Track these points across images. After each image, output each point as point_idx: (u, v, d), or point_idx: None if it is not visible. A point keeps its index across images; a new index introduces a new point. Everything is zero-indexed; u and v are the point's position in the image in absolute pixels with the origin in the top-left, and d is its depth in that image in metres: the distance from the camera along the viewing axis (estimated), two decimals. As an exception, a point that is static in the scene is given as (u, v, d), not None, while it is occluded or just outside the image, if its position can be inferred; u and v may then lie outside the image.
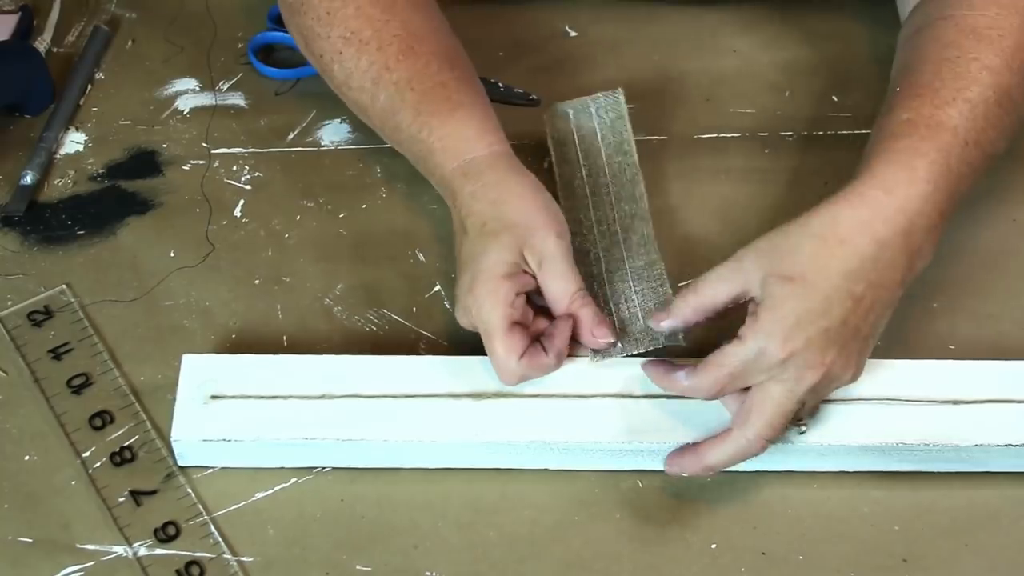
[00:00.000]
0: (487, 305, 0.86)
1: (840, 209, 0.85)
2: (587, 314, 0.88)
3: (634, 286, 0.93)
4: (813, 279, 0.83)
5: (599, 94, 1.02)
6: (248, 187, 1.03)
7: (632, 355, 0.89)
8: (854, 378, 0.86)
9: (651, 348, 0.89)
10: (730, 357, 0.83)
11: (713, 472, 0.85)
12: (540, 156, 1.02)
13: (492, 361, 0.86)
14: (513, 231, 0.87)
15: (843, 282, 0.83)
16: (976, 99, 0.90)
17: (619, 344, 0.90)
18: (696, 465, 0.85)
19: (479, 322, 0.86)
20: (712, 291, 0.85)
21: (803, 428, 0.87)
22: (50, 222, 1.00)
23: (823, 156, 1.05)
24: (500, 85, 1.08)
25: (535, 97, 1.08)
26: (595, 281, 0.94)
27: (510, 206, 0.89)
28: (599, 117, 1.02)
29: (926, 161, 0.87)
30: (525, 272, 0.88)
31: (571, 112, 1.02)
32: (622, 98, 1.02)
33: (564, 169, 1.00)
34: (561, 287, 0.88)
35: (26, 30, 1.12)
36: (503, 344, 0.85)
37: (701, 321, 0.87)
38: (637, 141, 1.01)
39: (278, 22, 1.09)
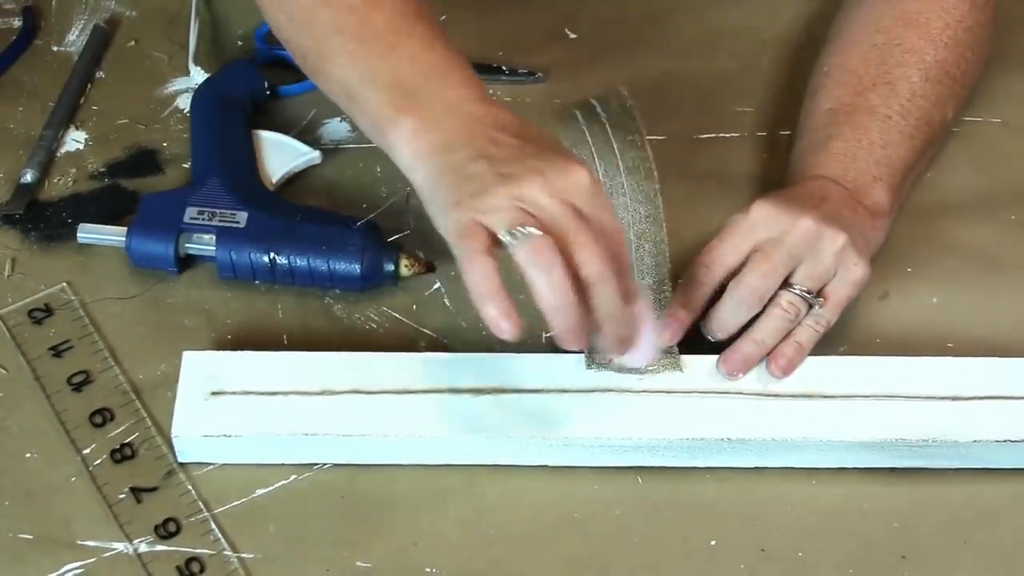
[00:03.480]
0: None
1: (784, 188, 0.96)
2: None
3: None
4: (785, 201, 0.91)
5: (601, 92, 1.03)
6: (248, 186, 1.03)
7: (622, 373, 0.89)
8: (849, 247, 0.89)
9: (647, 371, 0.89)
10: (732, 221, 0.90)
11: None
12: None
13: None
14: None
15: (810, 199, 0.92)
16: (897, 80, 0.99)
17: (614, 360, 0.89)
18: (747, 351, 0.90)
19: (572, 183, 0.81)
20: (696, 295, 0.91)
21: (820, 302, 0.90)
22: (50, 220, 1.01)
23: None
24: (504, 68, 1.09)
25: (540, 74, 1.09)
26: None
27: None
28: (605, 114, 1.02)
29: (841, 142, 0.97)
30: None
31: (578, 113, 1.03)
32: (625, 93, 1.02)
33: None
34: None
35: (29, 31, 1.13)
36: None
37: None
38: (638, 141, 1.02)
39: (267, 40, 1.10)
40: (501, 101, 1.07)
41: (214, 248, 0.94)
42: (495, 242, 0.80)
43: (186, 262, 0.97)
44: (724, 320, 0.90)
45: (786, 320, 0.89)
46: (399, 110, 0.85)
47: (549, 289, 0.79)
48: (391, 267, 0.95)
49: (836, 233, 0.89)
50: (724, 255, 0.90)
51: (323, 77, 0.91)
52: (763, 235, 0.89)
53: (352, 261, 0.94)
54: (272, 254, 0.94)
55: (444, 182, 0.83)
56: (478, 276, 0.79)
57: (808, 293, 0.89)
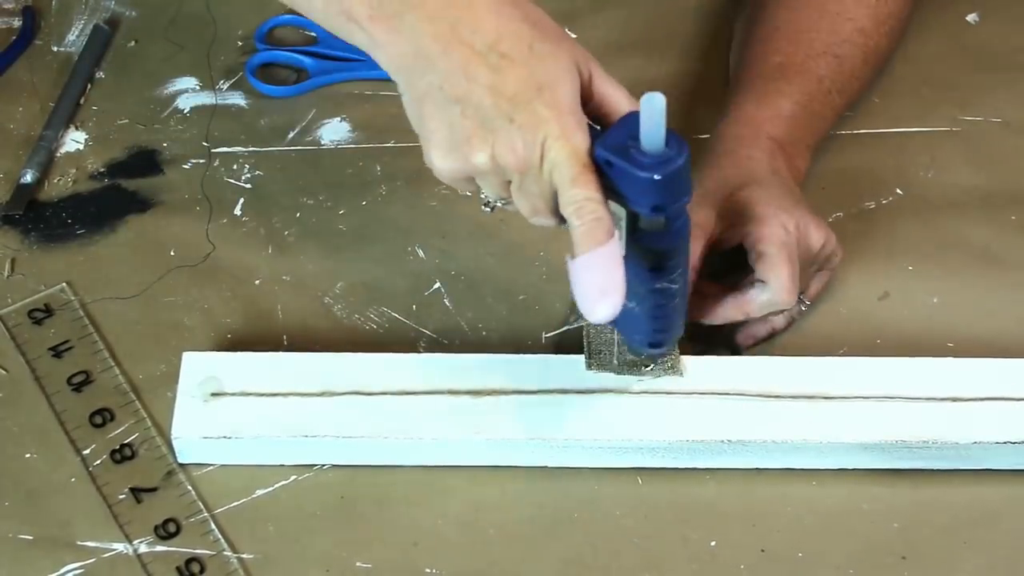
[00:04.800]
0: (575, 141, 0.75)
1: (729, 144, 0.95)
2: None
3: None
4: (754, 180, 0.92)
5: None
6: (248, 186, 1.03)
7: (623, 375, 0.89)
8: (838, 242, 0.92)
9: (648, 376, 0.89)
10: (777, 247, 0.88)
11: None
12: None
13: (581, 208, 0.75)
14: (563, 46, 0.77)
15: (772, 176, 0.92)
16: (845, 56, 1.00)
17: (615, 362, 0.89)
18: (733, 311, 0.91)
19: (558, 164, 0.75)
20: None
21: (807, 302, 0.94)
22: (50, 220, 1.00)
23: (822, 156, 1.05)
24: None
25: None
26: None
27: (541, 18, 0.78)
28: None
29: (790, 102, 0.97)
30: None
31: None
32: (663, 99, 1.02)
33: None
34: (621, 91, 0.80)
35: (29, 31, 1.12)
36: (596, 180, 0.76)
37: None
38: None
39: (268, 41, 1.09)
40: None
41: None
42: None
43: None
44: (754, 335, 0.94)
45: (783, 325, 0.94)
46: (368, 6, 0.77)
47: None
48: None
49: (833, 238, 0.92)
50: (797, 282, 0.90)
51: None
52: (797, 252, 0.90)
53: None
54: None
55: (424, 112, 0.77)
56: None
57: (800, 294, 0.92)
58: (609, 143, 0.75)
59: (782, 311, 0.92)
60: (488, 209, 0.83)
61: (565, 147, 0.75)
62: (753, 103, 0.98)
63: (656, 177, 0.74)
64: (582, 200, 0.75)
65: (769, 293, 0.89)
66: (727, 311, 0.91)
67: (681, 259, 0.81)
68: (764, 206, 0.90)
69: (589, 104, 0.78)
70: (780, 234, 0.89)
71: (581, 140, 0.75)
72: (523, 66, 0.75)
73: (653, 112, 0.73)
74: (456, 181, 0.79)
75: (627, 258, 0.78)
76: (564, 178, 0.75)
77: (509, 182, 0.78)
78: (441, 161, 0.78)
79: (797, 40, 1.01)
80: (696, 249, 0.89)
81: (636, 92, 1.07)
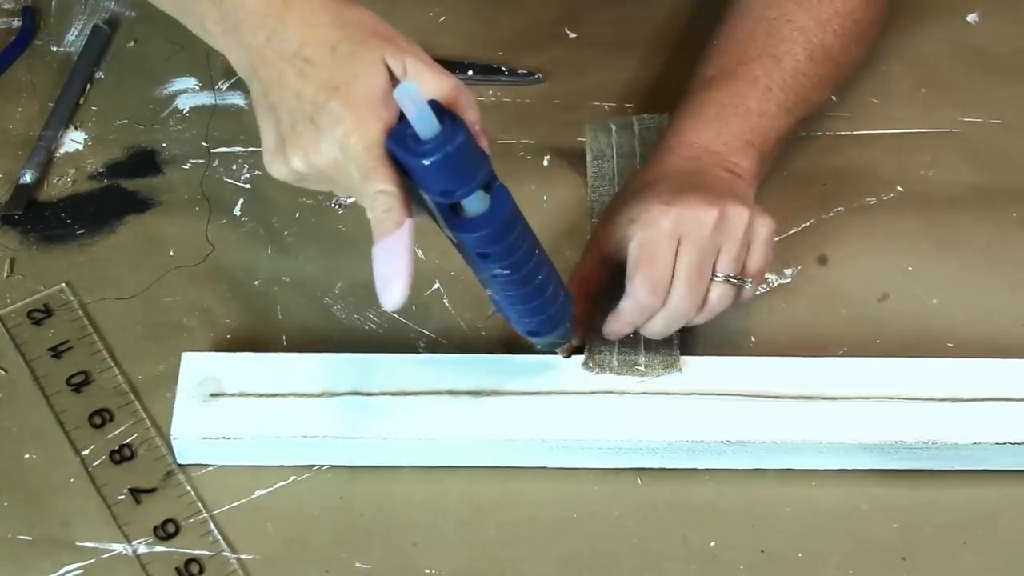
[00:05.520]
0: (369, 135, 0.76)
1: (648, 161, 0.96)
2: (472, 109, 0.79)
3: None
4: (650, 181, 0.92)
5: (645, 115, 1.03)
6: (247, 186, 1.03)
7: (622, 376, 0.89)
8: (753, 214, 0.89)
9: (647, 376, 0.89)
10: (640, 248, 0.87)
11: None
12: (579, 168, 1.03)
13: (374, 201, 0.77)
14: (370, 44, 0.78)
15: (676, 173, 0.93)
16: (782, 55, 0.99)
17: (615, 362, 0.90)
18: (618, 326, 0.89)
19: (354, 159, 0.76)
20: (579, 271, 0.92)
21: (748, 281, 0.89)
22: (50, 221, 1.00)
23: (822, 156, 1.05)
24: (504, 69, 1.09)
25: (540, 74, 1.09)
26: None
27: (355, 20, 0.79)
28: (641, 138, 1.02)
29: (715, 107, 0.97)
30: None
31: (614, 128, 1.03)
32: (667, 123, 1.02)
33: (599, 184, 1.01)
34: (438, 81, 0.78)
35: (29, 30, 1.12)
36: (389, 172, 0.76)
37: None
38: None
39: None
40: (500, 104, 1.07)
41: None
42: None
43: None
44: (662, 330, 0.89)
45: (716, 314, 0.90)
46: (212, 21, 0.83)
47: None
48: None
49: (738, 209, 0.88)
50: (664, 278, 0.87)
51: None
52: (679, 239, 0.88)
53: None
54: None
55: (258, 118, 0.81)
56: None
57: (735, 278, 0.89)
58: (396, 135, 0.76)
59: (656, 314, 0.88)
60: (338, 208, 0.85)
61: (359, 142, 0.76)
62: (677, 118, 0.98)
63: (426, 163, 0.74)
64: (374, 193, 0.76)
65: (630, 299, 0.87)
66: (609, 327, 0.89)
67: (513, 245, 0.79)
68: (644, 208, 0.88)
69: None
70: (643, 234, 0.87)
71: (373, 133, 0.76)
72: (324, 68, 0.77)
73: (410, 101, 0.73)
74: (294, 183, 0.81)
75: (459, 246, 0.80)
76: (360, 172, 0.76)
77: (334, 180, 0.79)
78: (269, 166, 0.81)
79: (730, 50, 1.01)
80: (589, 262, 0.91)
81: (635, 92, 1.09)
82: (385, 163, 0.76)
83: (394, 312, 0.76)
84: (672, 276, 0.87)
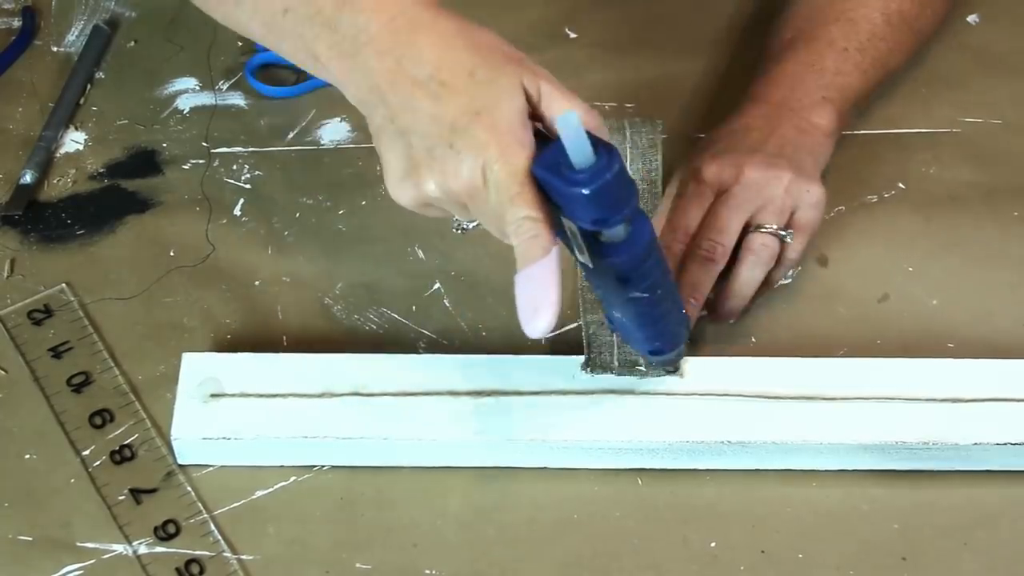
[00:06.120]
0: (514, 162, 0.76)
1: (729, 119, 1.00)
2: (604, 133, 0.80)
3: None
4: (716, 138, 0.98)
5: (637, 119, 1.03)
6: (248, 186, 1.03)
7: (623, 375, 0.89)
8: (797, 177, 0.93)
9: (648, 377, 0.89)
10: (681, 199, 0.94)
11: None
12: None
13: (519, 227, 0.76)
14: (507, 69, 0.78)
15: (744, 131, 0.97)
16: (859, 18, 1.02)
17: (615, 363, 0.89)
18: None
19: (497, 185, 0.76)
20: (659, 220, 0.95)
21: (791, 232, 0.94)
22: (50, 221, 1.00)
23: (822, 155, 1.05)
24: None
25: None
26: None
27: (488, 43, 0.80)
28: (631, 141, 1.02)
29: (793, 64, 1.00)
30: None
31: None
32: (660, 128, 1.02)
33: None
34: (573, 105, 0.79)
35: (29, 31, 1.12)
36: (534, 198, 0.76)
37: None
38: (637, 140, 1.02)
39: None
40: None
41: None
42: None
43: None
44: (708, 282, 0.93)
45: (761, 263, 0.93)
46: (324, 46, 0.80)
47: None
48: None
49: (779, 173, 0.93)
50: (690, 223, 0.93)
51: (237, 9, 0.86)
52: (718, 189, 0.94)
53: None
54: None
55: (380, 144, 0.80)
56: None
57: (776, 228, 0.93)
58: (544, 161, 0.75)
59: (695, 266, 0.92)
60: (459, 231, 0.84)
61: (503, 168, 0.76)
62: (757, 81, 1.02)
63: (584, 192, 0.74)
64: (519, 219, 0.76)
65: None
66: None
67: (650, 269, 0.80)
68: (691, 159, 0.96)
69: (545, 122, 0.79)
70: (680, 178, 0.95)
71: (519, 160, 0.76)
72: (463, 93, 0.77)
73: (571, 130, 0.73)
74: (417, 209, 0.80)
75: (596, 271, 0.80)
76: (503, 199, 0.76)
77: (466, 206, 0.79)
78: (396, 191, 0.79)
79: (809, 16, 1.04)
80: (666, 207, 0.95)
81: (635, 92, 1.09)
82: (530, 189, 0.76)
83: (537, 336, 0.76)
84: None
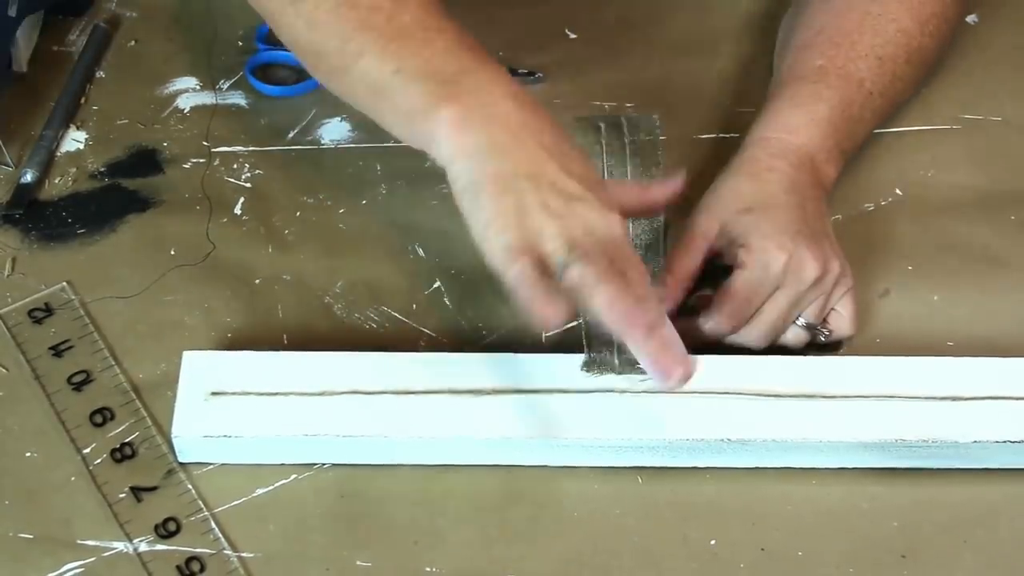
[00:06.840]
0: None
1: (755, 151, 0.96)
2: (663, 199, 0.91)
3: None
4: (765, 202, 0.92)
5: (634, 115, 1.03)
6: (248, 185, 1.03)
7: (623, 374, 0.89)
8: (843, 269, 0.92)
9: (643, 374, 0.89)
10: (740, 282, 0.89)
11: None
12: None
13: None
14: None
15: (787, 196, 0.93)
16: (887, 57, 1.01)
17: (616, 361, 0.90)
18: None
19: (608, 232, 0.82)
20: (684, 263, 0.91)
21: (826, 332, 0.93)
22: (50, 220, 1.01)
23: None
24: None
25: (540, 74, 1.09)
26: None
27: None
28: (630, 136, 1.02)
29: (827, 106, 0.98)
30: None
31: (602, 126, 1.02)
32: (657, 121, 1.02)
33: None
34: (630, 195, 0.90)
35: (27, 30, 1.13)
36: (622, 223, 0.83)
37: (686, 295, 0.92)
38: (636, 141, 1.02)
39: (268, 41, 1.10)
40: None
41: None
42: (539, 264, 0.81)
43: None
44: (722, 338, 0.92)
45: (792, 347, 0.93)
46: (439, 99, 0.84)
47: (620, 293, 0.80)
48: None
49: (832, 263, 0.91)
50: (748, 314, 0.91)
51: (346, 76, 0.88)
52: (779, 286, 0.90)
53: None
54: None
55: (489, 191, 0.82)
56: (530, 291, 0.80)
57: (814, 326, 0.92)
58: None
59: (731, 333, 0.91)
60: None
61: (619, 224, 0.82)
62: (789, 107, 0.99)
63: None
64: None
65: (711, 322, 0.90)
66: (710, 324, 0.91)
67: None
68: (760, 238, 0.90)
69: None
70: (751, 272, 0.89)
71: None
72: (584, 163, 0.84)
73: None
74: (511, 255, 0.81)
75: None
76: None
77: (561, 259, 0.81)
78: (500, 234, 0.81)
79: (840, 43, 1.01)
80: (696, 257, 0.91)
81: (635, 92, 1.09)
82: None
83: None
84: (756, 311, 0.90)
